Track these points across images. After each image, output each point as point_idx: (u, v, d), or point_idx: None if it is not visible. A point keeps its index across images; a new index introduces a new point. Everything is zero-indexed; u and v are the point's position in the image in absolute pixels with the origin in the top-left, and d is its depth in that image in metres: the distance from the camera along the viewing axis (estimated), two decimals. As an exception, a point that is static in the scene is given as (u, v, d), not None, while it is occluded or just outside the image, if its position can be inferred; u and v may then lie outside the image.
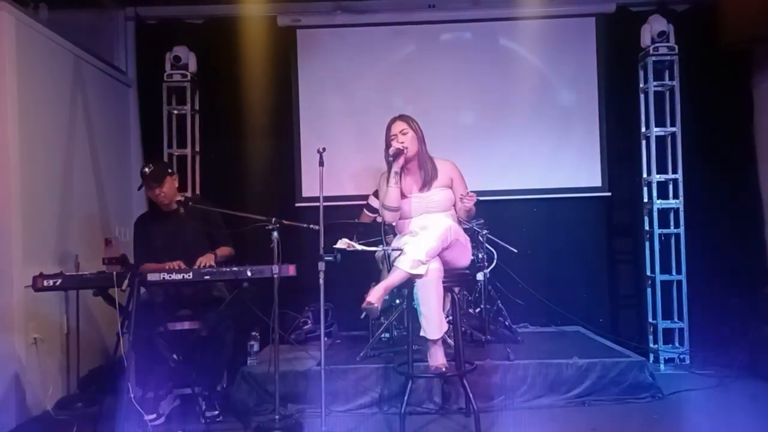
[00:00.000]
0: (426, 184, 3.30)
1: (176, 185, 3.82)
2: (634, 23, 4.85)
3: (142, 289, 3.26)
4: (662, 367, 4.53)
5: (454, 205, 3.35)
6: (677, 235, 4.68)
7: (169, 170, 3.81)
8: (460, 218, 3.38)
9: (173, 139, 5.01)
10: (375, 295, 2.96)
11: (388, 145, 3.31)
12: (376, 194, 4.51)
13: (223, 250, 3.69)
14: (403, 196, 3.30)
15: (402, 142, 3.26)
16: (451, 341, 3.49)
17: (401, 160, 3.25)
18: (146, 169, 3.67)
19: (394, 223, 3.39)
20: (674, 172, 4.70)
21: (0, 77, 3.56)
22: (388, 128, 3.33)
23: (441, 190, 3.30)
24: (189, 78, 4.91)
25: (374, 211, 4.47)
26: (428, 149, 3.38)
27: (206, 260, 3.51)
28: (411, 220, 3.30)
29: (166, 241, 3.67)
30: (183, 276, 3.21)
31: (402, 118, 3.34)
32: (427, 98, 4.97)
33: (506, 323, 4.32)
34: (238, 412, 3.53)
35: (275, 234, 3.19)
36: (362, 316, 3.57)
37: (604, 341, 4.37)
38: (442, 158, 3.39)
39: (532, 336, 4.52)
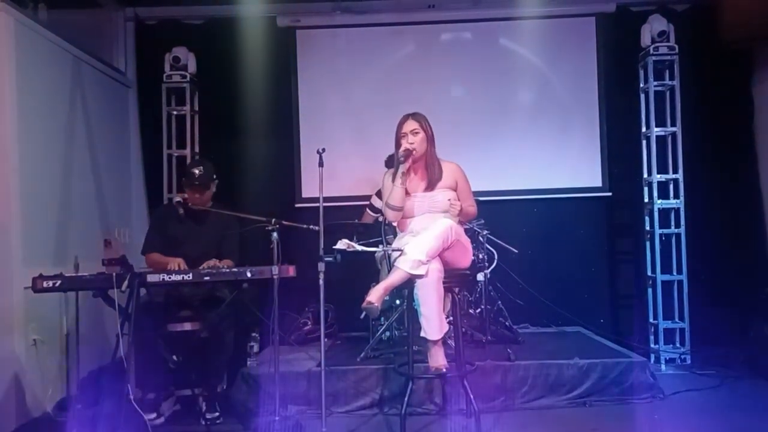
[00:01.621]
0: (431, 184, 3.30)
1: (214, 190, 3.79)
2: (634, 23, 4.85)
3: (143, 290, 3.26)
4: (663, 367, 4.52)
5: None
6: (678, 235, 4.67)
7: (214, 176, 3.78)
8: (463, 218, 3.37)
9: (173, 139, 5.01)
10: (375, 295, 2.95)
11: (397, 142, 3.31)
12: (378, 194, 4.50)
13: (227, 263, 3.66)
14: (406, 194, 3.30)
15: (412, 143, 3.26)
16: (451, 342, 3.49)
17: (409, 162, 3.25)
18: (195, 171, 3.65)
19: (395, 222, 3.39)
20: (675, 172, 4.70)
21: (-1, 78, 3.56)
22: (400, 125, 3.32)
23: (444, 191, 3.30)
24: (188, 79, 4.91)
25: (377, 210, 4.46)
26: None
27: (211, 263, 3.51)
28: (413, 220, 3.31)
29: (178, 238, 3.67)
30: (182, 277, 3.20)
31: (415, 117, 3.32)
32: (426, 99, 4.96)
33: (507, 324, 4.32)
34: (238, 413, 3.53)
35: (275, 235, 3.18)
36: (362, 316, 3.57)
37: (605, 341, 4.37)
38: (448, 160, 3.39)
39: (533, 336, 4.51)
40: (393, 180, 3.30)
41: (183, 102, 4.97)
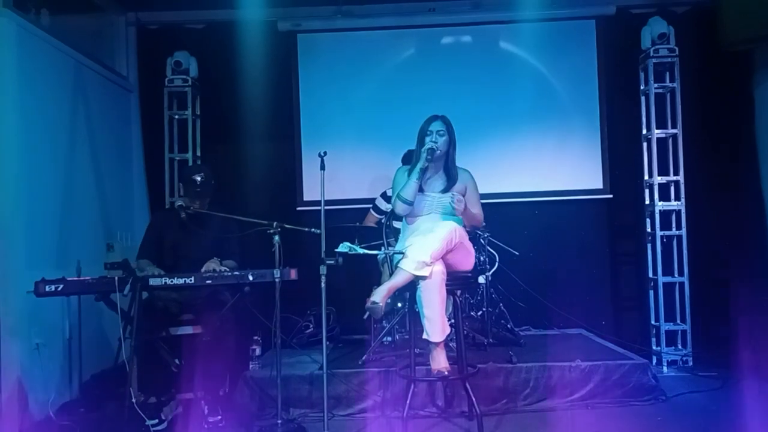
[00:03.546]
0: (445, 187, 3.33)
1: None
2: (634, 25, 4.86)
3: (144, 294, 3.26)
4: (665, 369, 4.52)
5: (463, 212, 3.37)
6: (679, 237, 4.67)
7: (213, 182, 3.76)
8: (468, 223, 3.36)
9: (174, 143, 5.02)
10: (379, 295, 2.95)
11: (421, 139, 3.33)
12: (384, 195, 4.52)
13: (229, 263, 3.67)
14: (420, 189, 3.31)
15: (436, 142, 3.28)
16: (453, 344, 3.49)
17: (431, 159, 3.27)
18: (197, 177, 3.63)
19: (402, 217, 3.39)
20: (675, 173, 4.71)
21: (1, 83, 3.56)
22: (427, 123, 3.34)
23: (454, 194, 3.31)
24: (190, 83, 4.93)
25: (381, 212, 4.47)
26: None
27: (212, 266, 3.50)
28: (418, 218, 3.32)
29: (176, 243, 3.67)
30: (185, 280, 3.21)
31: (443, 119, 3.35)
32: (427, 102, 4.95)
33: (508, 326, 4.32)
34: (241, 416, 3.52)
35: (277, 238, 3.19)
36: (365, 317, 3.57)
37: (607, 344, 4.36)
38: (461, 167, 3.42)
39: (535, 339, 4.51)
40: (409, 175, 3.31)
41: (185, 106, 4.99)
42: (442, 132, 3.31)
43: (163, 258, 3.64)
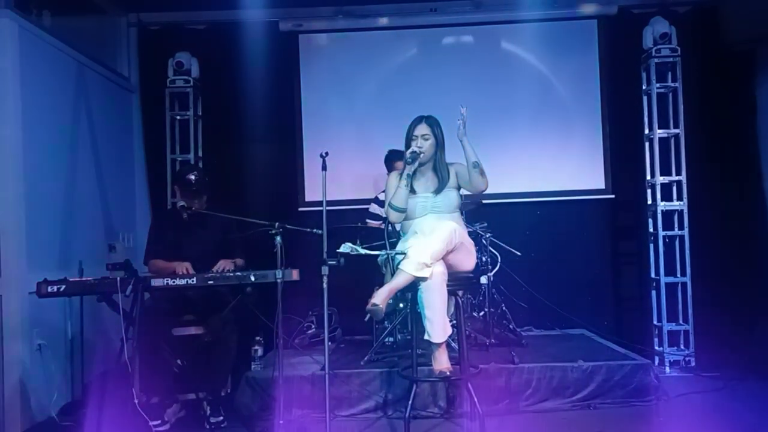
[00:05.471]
0: (437, 189, 3.31)
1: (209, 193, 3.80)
2: (635, 25, 4.86)
3: (146, 295, 3.26)
4: (667, 369, 4.51)
5: (460, 209, 3.37)
6: (681, 237, 4.67)
7: (206, 179, 3.76)
8: (473, 189, 3.31)
9: (176, 144, 5.02)
10: (380, 297, 2.95)
11: (407, 143, 3.32)
12: (376, 200, 4.51)
13: (239, 262, 3.67)
14: (412, 192, 3.30)
15: (420, 147, 3.26)
16: (455, 345, 3.48)
17: (416, 164, 3.26)
18: (191, 177, 3.64)
19: (398, 223, 3.38)
20: (678, 173, 4.70)
21: (3, 84, 3.57)
22: (412, 127, 3.32)
23: (448, 192, 3.31)
24: (191, 83, 4.94)
25: (375, 218, 4.47)
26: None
27: (225, 265, 3.51)
28: (416, 221, 3.31)
29: (178, 242, 3.67)
30: (186, 281, 3.21)
31: (428, 121, 3.31)
32: (428, 102, 4.93)
33: (510, 326, 4.31)
34: (243, 417, 3.53)
35: (278, 239, 3.18)
36: (366, 318, 3.56)
37: (609, 344, 4.36)
38: (450, 161, 3.39)
39: (537, 339, 4.51)
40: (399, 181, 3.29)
41: (186, 106, 4.99)
42: (426, 136, 3.28)
43: (168, 257, 3.65)
